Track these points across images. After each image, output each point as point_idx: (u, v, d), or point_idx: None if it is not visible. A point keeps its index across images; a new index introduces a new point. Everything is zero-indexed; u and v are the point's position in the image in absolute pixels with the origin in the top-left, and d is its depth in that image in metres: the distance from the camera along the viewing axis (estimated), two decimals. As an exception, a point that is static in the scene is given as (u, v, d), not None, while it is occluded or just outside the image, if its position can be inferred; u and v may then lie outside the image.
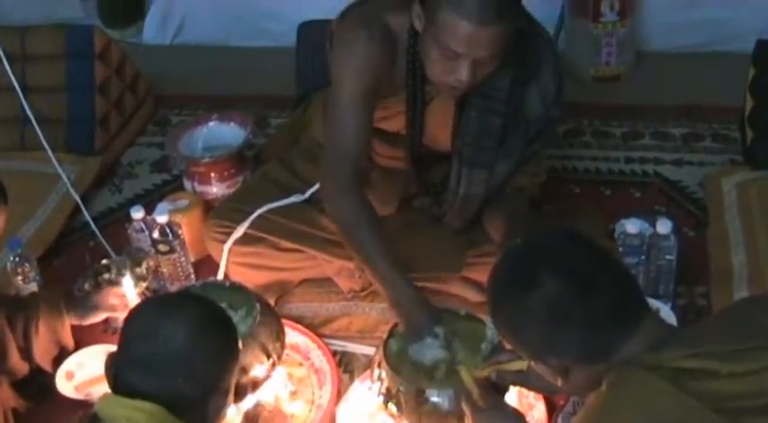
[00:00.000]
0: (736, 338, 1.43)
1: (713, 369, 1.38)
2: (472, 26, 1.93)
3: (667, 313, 2.33)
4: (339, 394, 2.27)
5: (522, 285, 1.54)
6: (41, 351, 2.29)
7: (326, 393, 2.26)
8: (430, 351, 2.10)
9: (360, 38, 2.16)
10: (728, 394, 1.36)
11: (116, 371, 1.68)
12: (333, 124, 2.25)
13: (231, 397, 1.77)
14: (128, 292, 2.40)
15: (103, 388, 2.25)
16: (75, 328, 2.38)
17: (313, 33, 2.97)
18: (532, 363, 1.61)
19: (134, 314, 1.75)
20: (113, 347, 2.33)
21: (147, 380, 1.63)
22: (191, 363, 1.65)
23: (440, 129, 2.33)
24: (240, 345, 1.80)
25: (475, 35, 1.94)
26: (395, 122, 2.36)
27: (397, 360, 2.10)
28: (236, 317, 2.19)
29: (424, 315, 2.13)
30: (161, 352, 1.64)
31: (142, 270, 2.52)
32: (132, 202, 3.03)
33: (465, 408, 1.87)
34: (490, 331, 2.06)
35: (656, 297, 2.38)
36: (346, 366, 2.40)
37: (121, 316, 2.34)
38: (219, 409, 1.73)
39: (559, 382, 1.57)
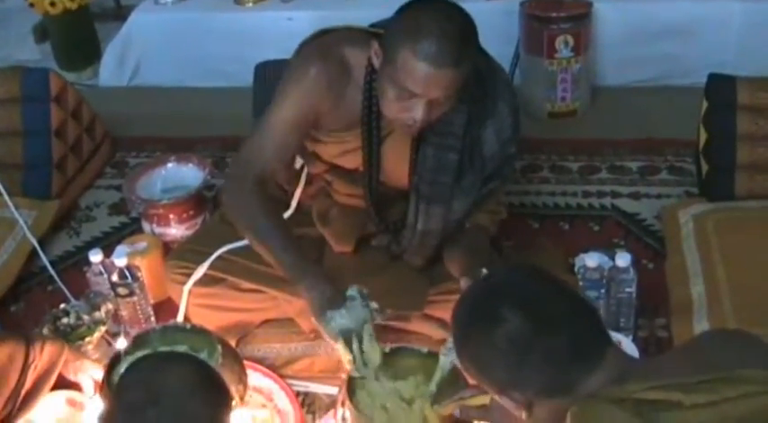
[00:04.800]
0: (698, 370, 1.44)
1: (676, 400, 1.39)
2: (429, 68, 1.95)
3: (629, 346, 2.34)
4: (303, 436, 2.25)
5: (485, 321, 1.55)
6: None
7: (290, 435, 2.25)
8: (352, 314, 2.11)
9: (309, 72, 2.19)
10: None
11: (107, 415, 1.70)
12: (255, 134, 2.29)
13: None
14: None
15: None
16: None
17: (270, 73, 2.97)
18: (497, 397, 1.61)
19: (134, 365, 1.81)
20: (74, 394, 2.35)
21: None
22: (180, 418, 1.66)
23: (397, 165, 2.34)
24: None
25: (432, 77, 1.96)
26: (352, 159, 2.36)
27: (361, 398, 2.08)
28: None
29: (330, 285, 2.16)
30: (152, 401, 1.65)
31: (101, 314, 2.49)
32: (90, 245, 3.01)
33: (432, 447, 1.87)
34: (442, 358, 2.05)
35: (617, 330, 2.40)
36: (309, 407, 2.39)
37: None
38: None
39: (524, 416, 1.57)
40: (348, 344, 2.08)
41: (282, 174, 2.47)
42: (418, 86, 1.98)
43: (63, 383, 2.39)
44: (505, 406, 1.61)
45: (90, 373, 2.28)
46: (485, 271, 2.08)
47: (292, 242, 2.24)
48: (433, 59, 1.94)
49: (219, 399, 1.76)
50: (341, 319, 2.11)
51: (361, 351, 2.08)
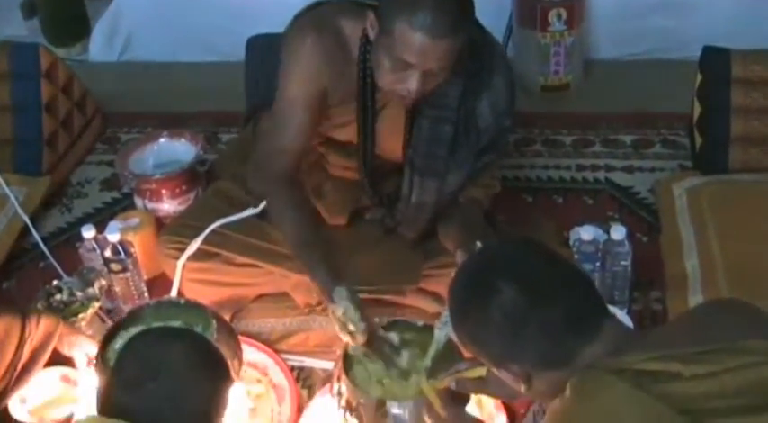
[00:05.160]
0: (697, 342, 1.43)
1: (676, 371, 1.38)
2: (425, 39, 1.94)
3: (624, 319, 2.33)
4: (299, 410, 2.25)
5: (480, 293, 1.54)
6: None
7: (286, 410, 2.24)
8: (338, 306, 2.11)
9: (306, 44, 2.19)
10: (692, 396, 1.37)
11: (105, 389, 1.69)
12: (273, 121, 2.31)
13: None
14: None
15: (59, 411, 2.26)
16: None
17: (262, 48, 2.95)
18: (495, 370, 1.61)
19: (134, 339, 1.79)
20: (68, 370, 2.35)
21: (134, 401, 1.63)
22: (179, 391, 1.65)
23: (391, 137, 2.33)
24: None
25: (428, 48, 1.95)
26: (347, 132, 2.36)
27: (357, 373, 2.09)
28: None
29: (329, 275, 2.18)
30: (153, 375, 1.65)
31: (94, 290, 2.47)
32: (83, 221, 2.99)
33: (427, 420, 1.87)
34: (437, 331, 2.05)
35: (612, 303, 2.40)
36: (305, 381, 2.39)
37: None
38: None
39: (522, 389, 1.57)
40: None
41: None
42: (414, 57, 1.97)
43: (57, 360, 2.40)
44: (503, 379, 1.61)
45: (84, 348, 2.28)
46: (479, 244, 2.08)
47: (322, 257, 2.24)
48: (429, 30, 1.93)
49: (219, 373, 1.76)
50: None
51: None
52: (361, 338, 2.08)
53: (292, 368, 2.39)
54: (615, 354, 1.45)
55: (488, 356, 1.58)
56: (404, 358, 2.11)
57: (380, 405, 1.99)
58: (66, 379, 2.35)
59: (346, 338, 2.10)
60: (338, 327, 2.10)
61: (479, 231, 2.29)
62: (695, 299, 2.40)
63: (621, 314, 2.35)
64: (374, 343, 2.10)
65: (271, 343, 2.45)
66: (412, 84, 2.02)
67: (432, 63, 1.99)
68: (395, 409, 1.99)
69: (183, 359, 1.69)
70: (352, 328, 2.07)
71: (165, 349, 1.70)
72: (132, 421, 1.58)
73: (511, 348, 1.52)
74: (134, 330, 2.20)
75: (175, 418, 1.64)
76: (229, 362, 2.09)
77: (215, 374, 1.74)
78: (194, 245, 2.42)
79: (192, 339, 1.79)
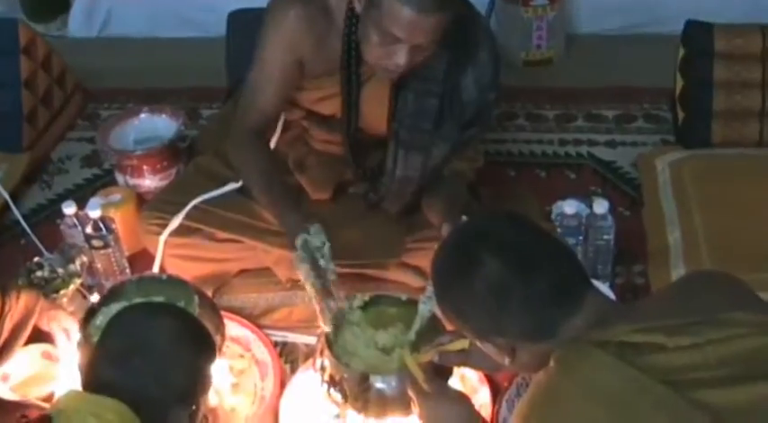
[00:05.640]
0: (680, 313, 1.44)
1: (660, 343, 1.39)
2: (414, 14, 1.93)
3: (606, 293, 2.34)
4: (282, 385, 2.24)
5: (464, 266, 1.54)
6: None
7: (269, 385, 2.23)
8: (315, 238, 2.11)
9: (289, 15, 2.18)
10: (676, 367, 1.37)
11: (88, 365, 1.68)
12: (248, 88, 2.31)
13: (199, 419, 1.76)
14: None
15: (41, 388, 2.25)
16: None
17: (243, 23, 2.93)
18: (479, 343, 1.60)
19: (118, 315, 1.78)
20: (49, 348, 2.33)
21: (118, 376, 1.62)
22: (163, 367, 1.65)
23: (376, 111, 2.32)
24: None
25: (416, 22, 1.94)
26: (330, 105, 2.34)
27: (339, 348, 2.08)
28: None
29: (295, 214, 2.20)
30: (139, 350, 1.65)
31: (76, 267, 2.46)
32: (63, 197, 2.97)
33: (411, 394, 1.86)
34: (422, 306, 2.04)
35: (595, 277, 2.37)
36: (288, 357, 2.38)
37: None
38: None
39: (506, 362, 1.57)
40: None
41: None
42: (402, 32, 1.96)
43: (38, 337, 2.39)
44: (488, 352, 1.61)
45: (64, 323, 2.26)
46: (465, 218, 2.07)
47: (284, 194, 2.27)
48: (418, 4, 1.92)
49: (204, 348, 1.75)
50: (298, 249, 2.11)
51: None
52: (331, 277, 2.09)
53: (275, 343, 2.38)
54: (599, 326, 1.45)
55: (472, 329, 1.58)
56: (388, 333, 2.10)
57: (363, 379, 1.98)
58: (47, 356, 2.33)
59: (310, 287, 2.09)
60: (303, 271, 2.09)
61: (464, 205, 2.28)
62: (677, 272, 2.41)
63: (604, 288, 2.35)
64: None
65: (253, 318, 2.44)
66: (400, 58, 2.01)
67: (420, 38, 1.98)
68: (378, 384, 1.98)
69: (168, 334, 1.69)
70: (323, 264, 2.09)
71: (151, 324, 1.70)
72: (116, 397, 1.58)
73: (495, 321, 1.53)
74: (116, 307, 2.18)
75: (160, 393, 1.63)
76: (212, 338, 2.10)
77: (201, 350, 1.74)
78: (176, 220, 2.40)
79: (177, 314, 1.79)
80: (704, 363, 1.38)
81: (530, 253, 1.53)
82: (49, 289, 2.40)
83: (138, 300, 2.21)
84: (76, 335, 2.22)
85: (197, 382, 1.72)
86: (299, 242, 2.10)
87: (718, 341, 1.40)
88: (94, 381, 1.64)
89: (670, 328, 1.40)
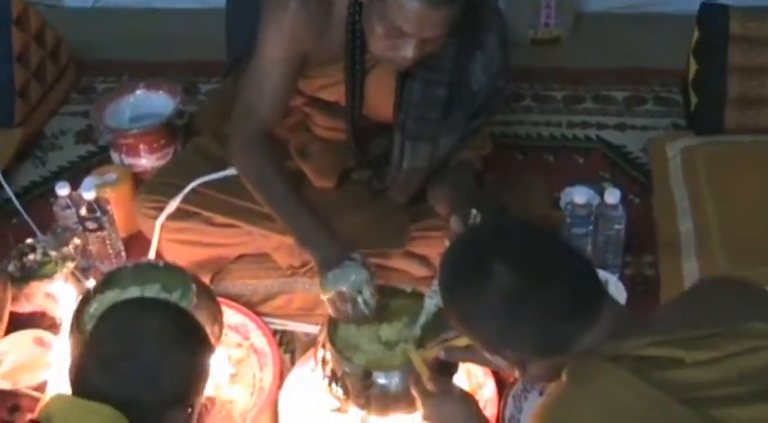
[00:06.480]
0: (697, 325, 1.38)
1: (678, 357, 1.33)
2: (423, 8, 1.84)
3: (616, 285, 2.29)
4: (281, 376, 2.18)
5: (474, 276, 1.47)
6: None
7: (268, 375, 2.18)
8: (351, 273, 2.02)
9: (290, 7, 2.08)
10: (695, 383, 1.32)
11: (77, 369, 1.62)
12: (249, 85, 2.20)
13: (194, 419, 1.70)
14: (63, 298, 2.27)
15: (33, 376, 2.20)
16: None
17: (244, -6, 2.85)
18: (488, 355, 1.54)
19: (109, 312, 1.72)
20: (41, 333, 2.27)
21: (109, 381, 1.57)
22: (155, 370, 1.59)
23: (381, 99, 2.24)
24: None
25: (425, 17, 1.85)
26: (334, 92, 2.26)
27: (341, 341, 2.02)
28: (170, 299, 2.09)
29: (336, 245, 2.09)
30: (127, 354, 1.59)
31: (69, 250, 2.39)
32: (57, 175, 2.92)
33: (414, 393, 1.81)
34: (428, 300, 1.97)
35: (604, 268, 2.34)
36: (287, 346, 2.33)
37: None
38: None
39: (517, 375, 1.51)
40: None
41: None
42: (410, 26, 1.87)
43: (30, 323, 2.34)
44: (498, 365, 1.55)
45: (44, 290, 2.23)
46: (475, 212, 2.01)
47: (298, 202, 2.17)
48: None
49: (198, 346, 1.69)
50: (334, 278, 2.02)
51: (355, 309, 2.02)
52: (369, 315, 2.02)
53: (274, 332, 2.32)
54: (614, 339, 1.39)
55: (482, 342, 1.52)
56: (393, 328, 2.04)
57: (366, 375, 1.93)
58: (39, 342, 2.30)
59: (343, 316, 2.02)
60: (336, 302, 2.01)
61: (471, 194, 2.22)
62: (689, 265, 2.35)
63: (614, 280, 2.30)
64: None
65: (252, 305, 2.38)
66: (407, 52, 1.92)
67: (429, 32, 1.89)
68: (381, 380, 1.93)
69: (160, 335, 1.63)
70: (363, 300, 2.00)
71: (142, 325, 1.64)
72: (107, 401, 1.52)
73: (506, 335, 1.46)
74: (111, 294, 2.14)
75: (153, 396, 1.58)
76: (209, 328, 2.04)
77: (195, 348, 1.68)
78: (173, 204, 2.34)
79: (169, 312, 1.72)
80: (723, 378, 1.33)
81: (544, 261, 1.47)
82: (41, 273, 2.35)
83: (133, 287, 2.16)
84: (62, 294, 2.20)
85: (192, 382, 1.66)
86: (336, 277, 2.02)
87: (737, 355, 1.34)
88: (85, 384, 1.59)
89: (687, 342, 1.34)
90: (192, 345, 1.68)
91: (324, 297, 2.04)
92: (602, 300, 1.48)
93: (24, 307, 2.32)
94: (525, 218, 1.63)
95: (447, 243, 1.95)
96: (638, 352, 1.35)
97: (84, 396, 1.55)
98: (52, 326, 2.33)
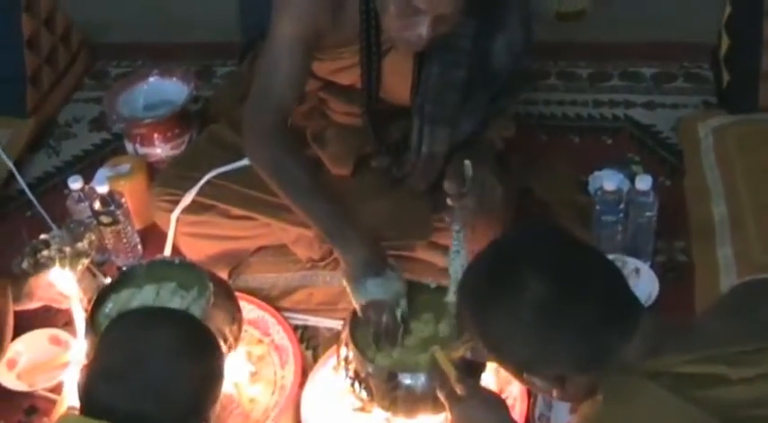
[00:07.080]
0: (743, 338, 1.29)
1: (721, 374, 1.25)
2: None
3: (647, 273, 2.22)
4: (303, 373, 2.12)
5: (505, 291, 1.39)
6: None
7: (289, 373, 2.12)
8: (393, 284, 1.96)
9: None
10: (740, 402, 1.24)
11: (85, 384, 1.56)
12: (264, 68, 2.11)
13: None
14: (63, 285, 2.20)
15: (49, 377, 2.14)
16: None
17: (258, -26, 2.77)
18: (524, 377, 1.46)
19: (114, 324, 1.66)
20: (57, 332, 2.22)
21: (118, 399, 1.51)
22: (164, 386, 1.53)
23: (398, 81, 2.17)
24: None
25: None
26: (349, 75, 2.19)
27: (364, 339, 1.95)
28: (187, 298, 2.05)
29: (369, 247, 1.99)
30: (134, 369, 1.53)
31: (84, 244, 2.32)
32: (71, 164, 2.88)
33: (441, 397, 1.73)
34: (451, 306, 1.92)
35: (636, 255, 2.26)
36: (309, 342, 2.26)
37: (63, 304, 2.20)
38: None
39: (555, 394, 1.43)
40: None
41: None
42: (423, 2, 1.80)
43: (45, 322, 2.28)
44: (534, 386, 1.47)
45: (49, 280, 2.18)
46: (468, 163, 1.95)
47: (326, 199, 2.04)
48: None
49: (209, 357, 1.63)
50: (375, 288, 1.94)
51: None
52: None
53: (295, 328, 2.26)
54: (653, 353, 1.31)
55: (515, 363, 1.44)
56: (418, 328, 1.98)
57: (392, 376, 1.86)
58: (55, 340, 2.26)
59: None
60: (369, 311, 1.94)
61: (486, 166, 2.11)
62: (723, 251, 2.26)
63: (645, 268, 2.23)
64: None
65: (271, 300, 2.31)
66: (422, 30, 1.85)
67: (442, 7, 1.81)
68: (407, 381, 1.86)
69: (169, 349, 1.56)
70: (401, 313, 1.95)
71: (149, 339, 1.57)
72: (115, 418, 1.46)
73: (542, 351, 1.39)
74: (125, 293, 2.08)
75: (164, 414, 1.51)
76: (227, 328, 1.99)
77: (206, 361, 1.61)
78: (188, 197, 2.29)
79: (177, 324, 1.64)
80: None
81: (578, 272, 1.39)
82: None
83: (149, 286, 2.09)
84: (66, 281, 2.16)
85: (205, 395, 1.60)
86: (377, 286, 1.95)
87: None
88: (93, 404, 1.53)
89: (731, 357, 1.26)
90: (203, 357, 1.62)
91: (356, 303, 1.97)
92: (638, 309, 1.41)
93: (32, 304, 2.25)
94: (552, 226, 1.53)
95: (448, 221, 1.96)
96: (679, 369, 1.27)
97: (92, 411, 1.50)
98: (68, 323, 2.27)
